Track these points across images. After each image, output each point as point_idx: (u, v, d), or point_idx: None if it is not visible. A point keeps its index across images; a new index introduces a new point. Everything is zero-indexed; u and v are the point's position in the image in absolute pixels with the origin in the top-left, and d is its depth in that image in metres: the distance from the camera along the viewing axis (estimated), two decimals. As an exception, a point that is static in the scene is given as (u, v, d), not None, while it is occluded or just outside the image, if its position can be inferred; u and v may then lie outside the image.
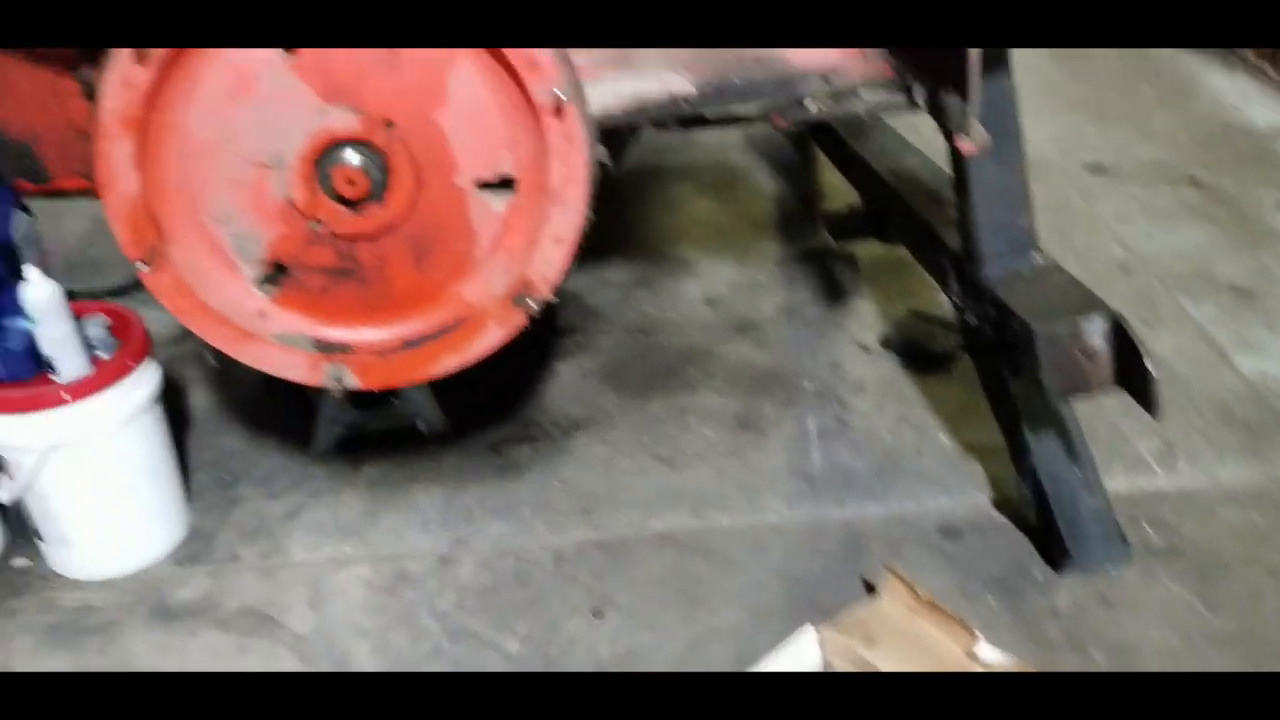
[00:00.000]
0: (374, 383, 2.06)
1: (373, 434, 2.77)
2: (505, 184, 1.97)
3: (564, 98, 1.85)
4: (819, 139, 3.65)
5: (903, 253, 3.41)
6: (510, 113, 1.90)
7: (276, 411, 2.90)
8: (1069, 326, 2.14)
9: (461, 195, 1.95)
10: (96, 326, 2.34)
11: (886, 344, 3.09)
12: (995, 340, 2.31)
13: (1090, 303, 2.20)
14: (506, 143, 1.92)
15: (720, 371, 3.03)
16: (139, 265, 1.89)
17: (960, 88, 1.98)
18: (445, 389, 2.42)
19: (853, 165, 3.30)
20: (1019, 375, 2.25)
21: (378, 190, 1.91)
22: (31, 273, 2.18)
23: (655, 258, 3.56)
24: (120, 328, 2.40)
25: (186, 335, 2.05)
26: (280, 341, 2.00)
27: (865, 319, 3.23)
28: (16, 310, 2.22)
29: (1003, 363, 2.31)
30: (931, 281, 3.26)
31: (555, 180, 1.92)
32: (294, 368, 2.02)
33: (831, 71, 2.28)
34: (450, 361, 2.05)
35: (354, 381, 2.04)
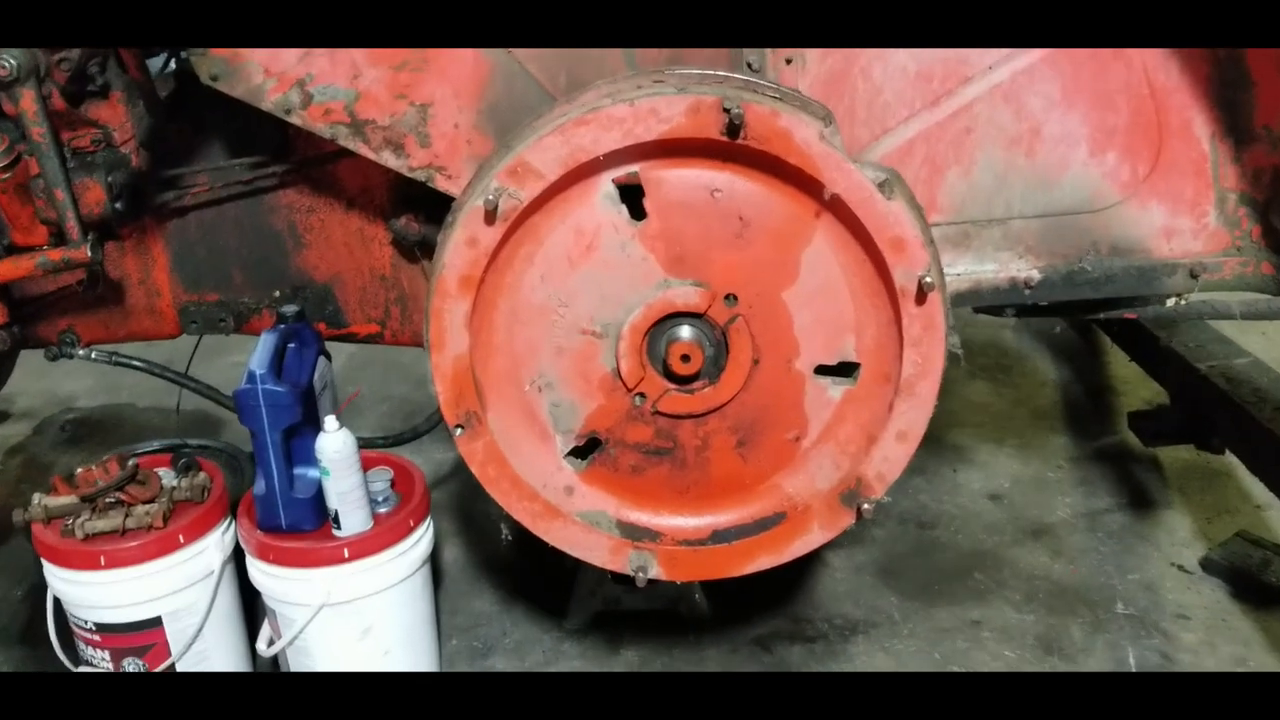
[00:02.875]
0: (680, 576, 1.88)
1: (631, 613, 2.58)
2: (844, 370, 1.79)
3: (930, 282, 1.67)
4: (1112, 325, 3.36)
5: (1217, 461, 3.07)
6: (861, 294, 1.74)
7: (529, 573, 2.75)
8: None
9: (798, 379, 1.78)
10: (380, 480, 2.26)
11: (1209, 567, 2.71)
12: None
13: None
14: (853, 326, 1.75)
15: (1013, 580, 2.71)
16: (455, 430, 1.78)
17: None
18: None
19: (1161, 359, 2.99)
20: None
21: (711, 368, 1.76)
22: (330, 422, 2.11)
23: (928, 442, 3.29)
24: (402, 481, 2.31)
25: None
26: (585, 521, 1.85)
27: (1179, 535, 2.86)
28: (309, 458, 2.16)
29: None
30: (1260, 499, 2.92)
31: (908, 371, 1.73)
32: (597, 551, 1.86)
33: (1199, 265, 2.04)
34: (765, 560, 1.86)
35: (659, 573, 1.86)
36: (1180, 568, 2.74)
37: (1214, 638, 2.50)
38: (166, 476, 2.31)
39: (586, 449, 1.84)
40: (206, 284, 2.40)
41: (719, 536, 1.86)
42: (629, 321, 1.73)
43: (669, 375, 1.76)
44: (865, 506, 1.80)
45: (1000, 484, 3.11)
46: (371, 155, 2.00)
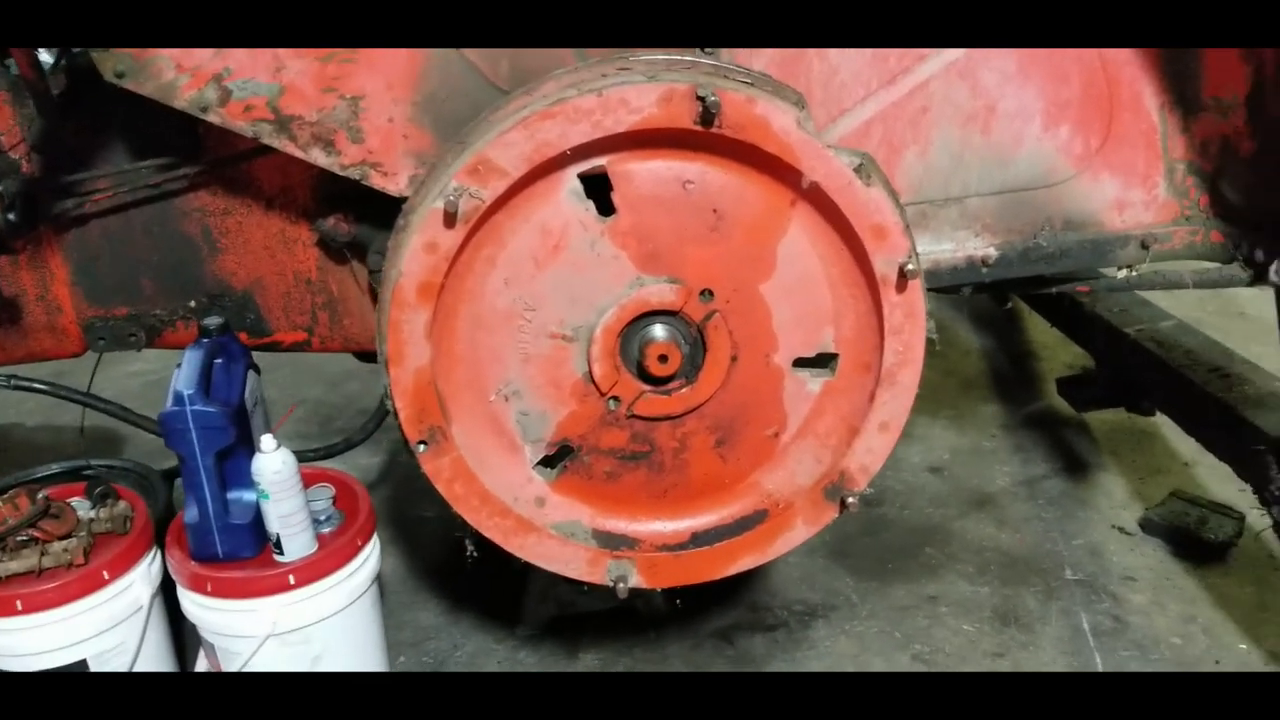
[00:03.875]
0: (661, 583, 1.80)
1: (587, 614, 2.51)
2: (821, 361, 1.74)
3: (912, 269, 1.62)
4: (1032, 293, 3.39)
5: (1143, 423, 3.13)
6: (839, 284, 1.68)
7: (474, 581, 2.65)
8: None
9: (777, 374, 1.72)
10: (322, 499, 2.12)
11: (1148, 528, 2.77)
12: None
13: None
14: (831, 317, 1.70)
15: (963, 553, 2.72)
16: (417, 446, 1.67)
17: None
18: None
19: (1086, 325, 3.02)
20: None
21: (688, 368, 1.68)
22: (267, 441, 1.97)
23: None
24: (344, 498, 2.18)
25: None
26: (559, 533, 1.76)
27: (1117, 498, 2.91)
28: (244, 481, 2.01)
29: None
30: (1187, 457, 2.98)
31: (889, 360, 1.69)
32: (574, 564, 1.77)
33: (1151, 236, 2.04)
34: (748, 560, 1.80)
35: (639, 581, 1.78)
36: (1121, 530, 2.79)
37: (1161, 598, 2.55)
38: (81, 508, 2.13)
39: (556, 458, 1.75)
40: (113, 297, 2.21)
41: (699, 539, 1.79)
42: (601, 323, 1.64)
43: (644, 377, 1.68)
44: (850, 500, 1.75)
45: (940, 456, 3.12)
46: (299, 153, 1.85)
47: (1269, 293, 2.10)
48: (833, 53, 1.87)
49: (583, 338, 1.66)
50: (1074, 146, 1.98)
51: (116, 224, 2.16)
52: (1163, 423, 3.06)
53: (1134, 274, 2.09)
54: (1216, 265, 2.07)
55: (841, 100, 1.91)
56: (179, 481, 2.59)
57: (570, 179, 1.60)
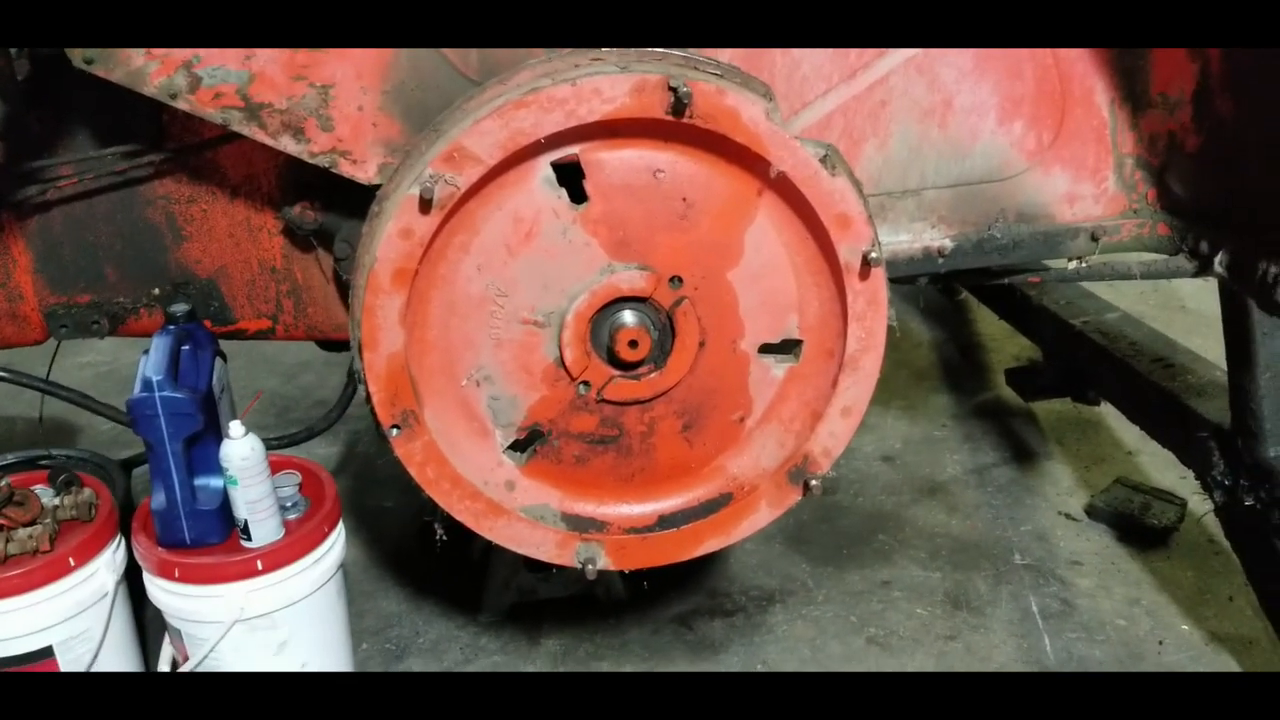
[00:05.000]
0: (629, 565, 1.84)
1: (548, 601, 2.54)
2: (786, 347, 1.78)
3: (875, 257, 1.67)
4: (981, 286, 3.48)
5: (1088, 412, 3.23)
6: (804, 272, 1.73)
7: (435, 569, 2.67)
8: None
9: (743, 360, 1.76)
10: (288, 485, 2.13)
11: (1094, 514, 2.86)
12: (1287, 526, 2.08)
13: None
14: (796, 304, 1.74)
15: (916, 539, 2.79)
16: (390, 431, 1.69)
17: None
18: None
19: (1034, 318, 3.11)
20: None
21: (658, 353, 1.72)
22: (235, 427, 1.98)
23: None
24: (309, 484, 2.19)
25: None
26: (529, 516, 1.79)
27: (1063, 485, 3.00)
28: (212, 467, 2.02)
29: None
30: (1131, 446, 3.08)
31: (852, 346, 1.74)
32: (544, 546, 1.80)
33: (1100, 228, 2.12)
34: (714, 542, 1.84)
35: (608, 563, 1.82)
36: (1068, 516, 2.87)
37: (1107, 581, 2.64)
38: (45, 495, 2.12)
39: (527, 442, 1.78)
40: (76, 284, 2.20)
41: (666, 522, 1.83)
42: (573, 309, 1.67)
43: (614, 362, 1.71)
44: (813, 483, 1.80)
45: (892, 445, 3.19)
46: (269, 141, 1.86)
47: (1210, 288, 2.18)
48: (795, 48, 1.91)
49: (554, 323, 1.69)
50: (1027, 141, 2.04)
51: (80, 211, 2.15)
52: (1108, 412, 3.15)
53: (1084, 265, 2.16)
54: (1163, 257, 2.14)
55: (804, 94, 1.95)
56: (137, 471, 2.60)
57: (543, 167, 1.63)
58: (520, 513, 1.78)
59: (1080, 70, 2.00)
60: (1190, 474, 2.32)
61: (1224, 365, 2.23)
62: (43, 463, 2.40)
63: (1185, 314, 3.90)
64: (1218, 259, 1.98)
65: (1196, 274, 2.07)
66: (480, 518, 1.76)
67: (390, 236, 1.59)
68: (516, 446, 1.79)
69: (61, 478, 2.14)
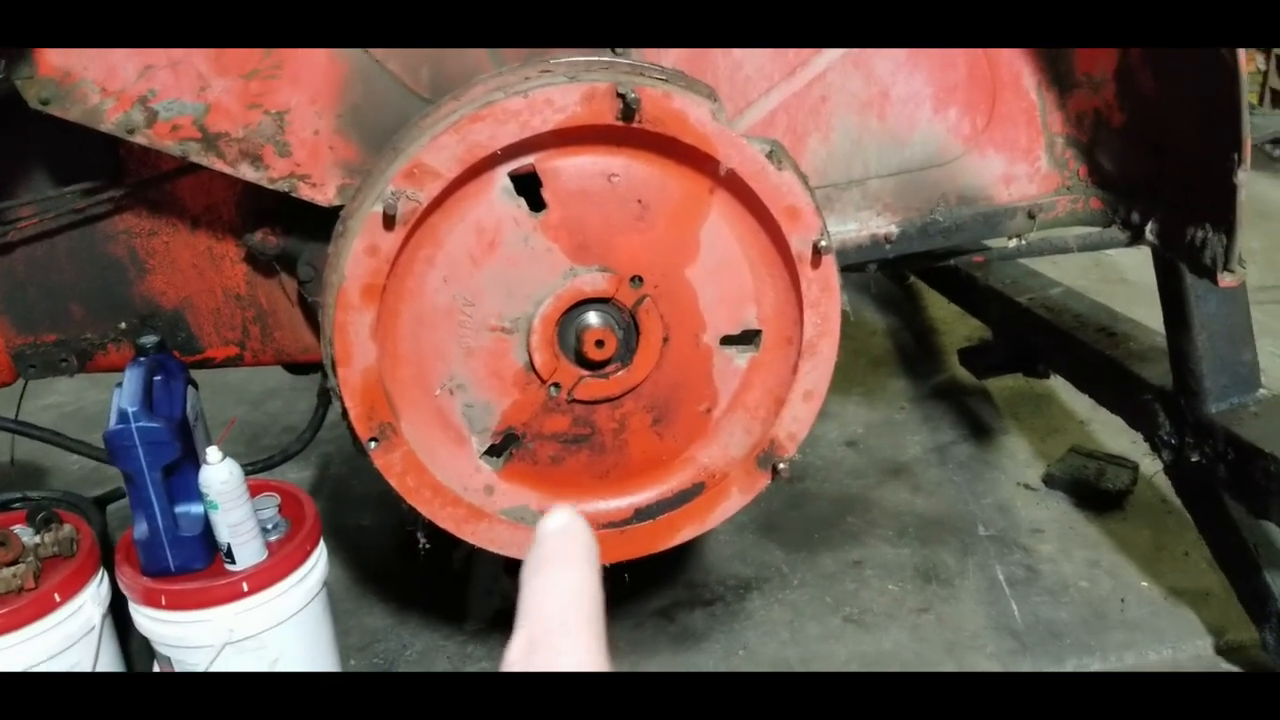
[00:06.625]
0: (609, 558, 1.88)
1: (530, 605, 2.58)
2: (746, 338, 1.85)
3: (825, 245, 1.74)
4: (930, 272, 3.57)
5: (1040, 386, 3.33)
6: (759, 264, 1.79)
7: (417, 582, 2.71)
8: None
9: (706, 353, 1.82)
10: (268, 507, 2.17)
11: (1051, 483, 2.95)
12: (1230, 479, 2.18)
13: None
14: (753, 295, 1.81)
15: (883, 519, 2.87)
16: (368, 444, 1.73)
17: (1225, 222, 1.89)
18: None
19: (982, 298, 3.20)
20: (1267, 516, 2.11)
21: (624, 352, 1.78)
22: (212, 453, 2.01)
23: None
24: (289, 506, 2.23)
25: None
26: (509, 518, 1.84)
27: (1021, 457, 3.10)
28: (191, 494, 2.05)
29: (1243, 503, 2.18)
30: (1082, 415, 3.18)
31: (809, 332, 1.81)
32: (524, 547, 1.83)
33: (1036, 206, 2.20)
34: (690, 531, 1.89)
35: (589, 559, 1.86)
36: (1027, 486, 2.97)
37: (1067, 546, 2.73)
38: (25, 534, 2.14)
39: (502, 446, 1.83)
40: (42, 324, 2.22)
41: (642, 515, 1.88)
42: (539, 313, 1.72)
43: (582, 362, 1.77)
44: (780, 466, 1.86)
45: (854, 430, 3.27)
46: (228, 170, 1.90)
47: (1149, 260, 2.28)
48: (736, 48, 1.98)
49: (522, 329, 1.74)
50: (962, 127, 2.13)
51: (41, 251, 2.17)
52: (1058, 385, 3.26)
53: (1023, 243, 2.25)
54: (1098, 230, 2.23)
55: (747, 93, 2.02)
56: (112, 508, 2.61)
57: (501, 178, 1.68)
58: (500, 515, 1.83)
59: (1007, 57, 2.09)
60: (1140, 439, 2.42)
61: (1164, 332, 2.33)
62: (16, 505, 2.42)
63: (1127, 285, 4.03)
64: (1149, 228, 2.07)
65: (1130, 244, 2.16)
66: (462, 523, 1.81)
67: (357, 254, 1.64)
68: (493, 451, 1.84)
69: (41, 515, 2.16)
